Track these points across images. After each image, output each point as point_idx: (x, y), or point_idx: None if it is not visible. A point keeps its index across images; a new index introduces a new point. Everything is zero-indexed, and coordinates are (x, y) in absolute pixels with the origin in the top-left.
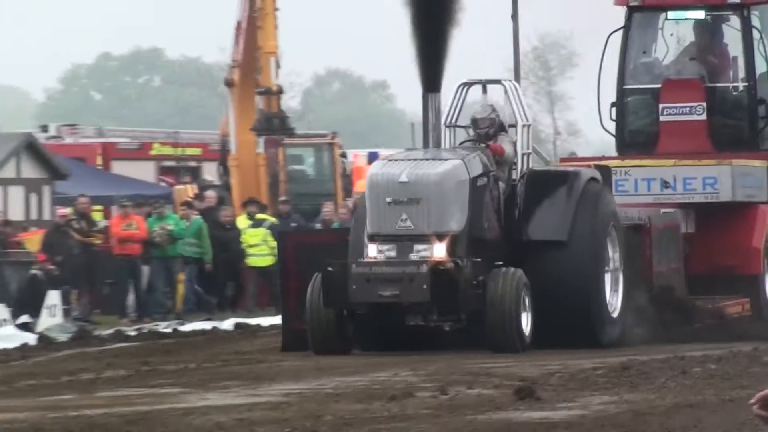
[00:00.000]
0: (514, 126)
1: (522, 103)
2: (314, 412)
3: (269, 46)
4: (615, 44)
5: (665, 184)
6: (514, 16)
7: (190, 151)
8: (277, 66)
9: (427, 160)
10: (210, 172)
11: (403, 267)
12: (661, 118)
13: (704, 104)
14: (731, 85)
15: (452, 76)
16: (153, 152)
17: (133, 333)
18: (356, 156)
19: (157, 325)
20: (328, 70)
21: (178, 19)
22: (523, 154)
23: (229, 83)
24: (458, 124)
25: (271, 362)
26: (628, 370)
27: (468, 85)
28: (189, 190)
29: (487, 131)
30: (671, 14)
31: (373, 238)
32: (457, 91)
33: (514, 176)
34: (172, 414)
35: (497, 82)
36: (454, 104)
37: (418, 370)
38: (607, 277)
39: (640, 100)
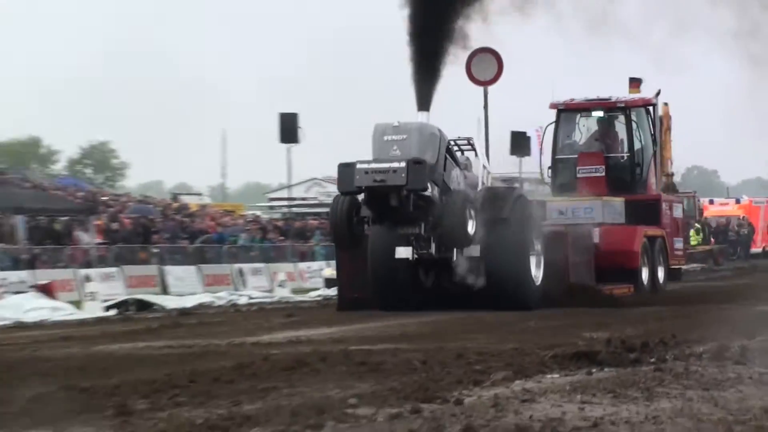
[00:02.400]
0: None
1: (484, 156)
2: None
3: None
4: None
5: (560, 212)
6: (485, 107)
7: None
8: (671, 164)
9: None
10: None
11: (390, 163)
12: (578, 175)
13: (603, 167)
14: (619, 155)
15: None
16: None
17: None
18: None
19: None
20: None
21: None
22: (483, 183)
23: None
24: None
25: None
26: None
27: (453, 142)
28: None
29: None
30: (583, 114)
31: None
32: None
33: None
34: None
35: (469, 142)
36: None
37: None
38: (533, 259)
39: (566, 165)
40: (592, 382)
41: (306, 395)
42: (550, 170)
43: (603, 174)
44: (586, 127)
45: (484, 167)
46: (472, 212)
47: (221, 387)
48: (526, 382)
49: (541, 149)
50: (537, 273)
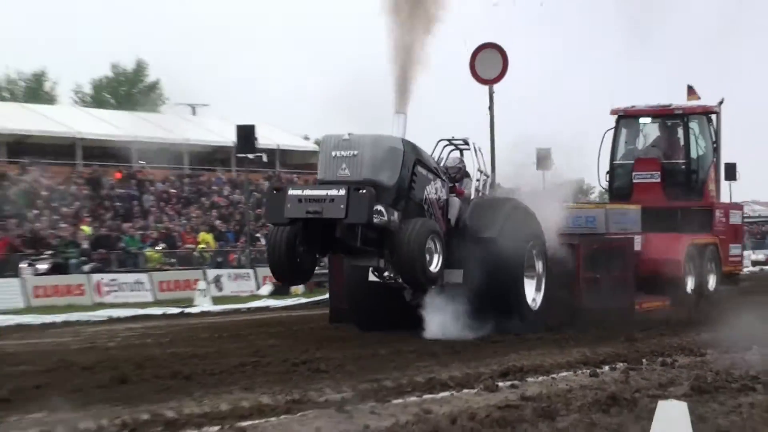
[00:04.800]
0: (471, 176)
1: (482, 159)
2: None
3: None
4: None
5: None
6: (491, 108)
7: None
8: None
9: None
10: None
11: (327, 190)
12: (634, 181)
13: (658, 173)
14: (676, 161)
15: (436, 133)
16: None
17: None
18: None
19: None
20: None
21: None
22: (478, 192)
23: None
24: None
25: None
26: None
27: (447, 142)
28: None
29: (455, 176)
30: (642, 120)
31: (320, 182)
32: (435, 146)
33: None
34: None
35: (466, 142)
36: (435, 155)
37: None
38: (532, 281)
39: (623, 170)
40: None
41: None
42: (607, 175)
43: (659, 180)
44: (644, 133)
45: (481, 171)
46: (437, 245)
47: None
48: None
49: (599, 155)
50: (536, 296)
